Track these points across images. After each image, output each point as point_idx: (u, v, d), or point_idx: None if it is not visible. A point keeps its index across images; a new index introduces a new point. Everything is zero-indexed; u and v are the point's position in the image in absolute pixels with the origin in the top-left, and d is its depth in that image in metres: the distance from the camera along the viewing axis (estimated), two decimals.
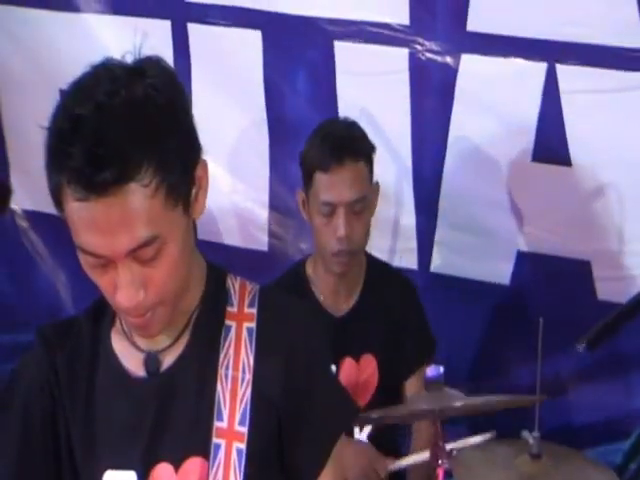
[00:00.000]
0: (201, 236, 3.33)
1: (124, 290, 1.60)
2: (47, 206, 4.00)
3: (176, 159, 1.61)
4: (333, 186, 2.86)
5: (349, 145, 2.90)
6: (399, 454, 3.04)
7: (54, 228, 3.81)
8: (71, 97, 1.59)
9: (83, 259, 1.61)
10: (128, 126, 1.54)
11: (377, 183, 3.02)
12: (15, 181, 3.92)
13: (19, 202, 3.96)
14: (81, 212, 1.56)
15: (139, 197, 1.55)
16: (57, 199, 1.59)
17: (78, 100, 1.55)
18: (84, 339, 1.82)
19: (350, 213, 2.86)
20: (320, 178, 2.87)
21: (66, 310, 4.15)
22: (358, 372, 2.97)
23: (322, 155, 2.88)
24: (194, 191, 1.68)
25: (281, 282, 3.11)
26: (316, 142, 2.96)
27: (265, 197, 3.76)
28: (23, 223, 4.20)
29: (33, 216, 4.17)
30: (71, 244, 4.02)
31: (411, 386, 3.01)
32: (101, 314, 1.82)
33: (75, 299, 4.16)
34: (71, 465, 1.80)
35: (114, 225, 1.56)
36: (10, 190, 2.38)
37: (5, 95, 4.19)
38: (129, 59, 1.65)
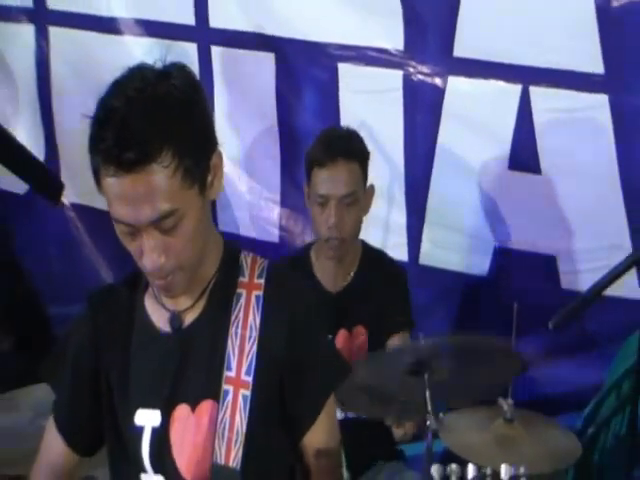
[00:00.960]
0: (221, 227, 3.32)
1: (148, 255, 1.65)
2: (89, 200, 3.91)
3: (192, 147, 1.65)
4: (327, 181, 2.87)
5: (343, 146, 2.90)
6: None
7: (94, 218, 4.00)
8: (108, 92, 1.64)
9: (117, 228, 1.67)
10: (151, 116, 1.60)
11: (372, 186, 3.01)
12: (64, 179, 3.81)
13: (67, 197, 3.90)
14: (113, 187, 1.61)
15: (160, 176, 1.60)
16: (97, 178, 1.64)
17: (113, 94, 1.62)
18: (122, 302, 1.87)
19: (341, 205, 2.85)
20: (317, 173, 2.87)
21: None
22: (351, 341, 2.95)
23: (319, 153, 2.90)
24: (210, 177, 1.72)
25: (288, 261, 3.15)
26: (316, 143, 2.98)
27: (277, 196, 3.75)
28: (70, 214, 4.16)
29: (78, 208, 4.14)
30: (107, 231, 4.04)
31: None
32: (136, 282, 1.87)
33: (112, 277, 4.14)
34: (109, 404, 1.84)
35: (139, 198, 1.61)
36: (63, 186, 2.41)
37: (58, 105, 4.13)
38: (159, 65, 1.68)
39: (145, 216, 1.63)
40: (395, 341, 2.96)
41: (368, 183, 2.98)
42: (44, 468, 1.97)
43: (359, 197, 2.91)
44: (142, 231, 1.67)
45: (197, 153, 1.70)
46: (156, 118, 1.64)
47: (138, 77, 1.68)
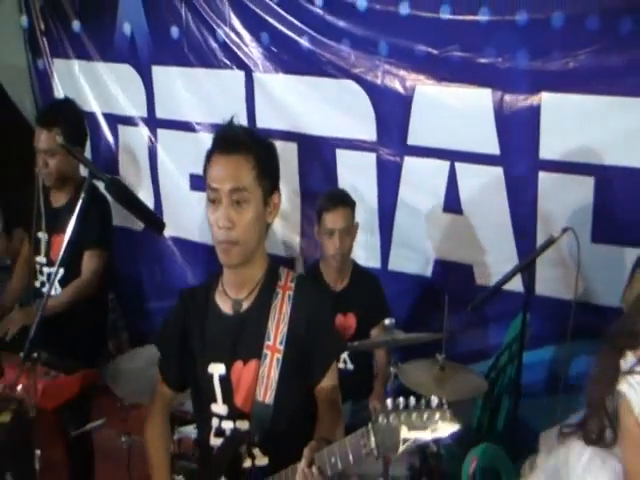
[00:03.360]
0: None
1: (222, 222, 1.66)
2: (181, 234, 4.02)
3: (267, 169, 1.71)
4: (332, 220, 2.92)
5: (341, 198, 2.98)
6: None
7: (183, 245, 4.10)
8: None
9: (208, 196, 1.69)
10: (248, 134, 1.73)
11: (357, 223, 3.05)
12: (165, 220, 3.85)
13: (167, 232, 3.89)
14: (216, 160, 1.69)
15: (246, 166, 1.67)
16: (206, 165, 1.72)
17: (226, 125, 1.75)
18: (200, 295, 1.87)
19: (341, 235, 2.92)
20: (325, 215, 2.93)
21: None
22: (345, 322, 2.97)
23: (326, 203, 2.95)
24: (270, 204, 1.73)
25: (307, 271, 3.23)
26: (324, 197, 3.02)
27: (297, 229, 3.72)
28: (169, 242, 4.13)
29: (174, 239, 4.10)
30: (191, 254, 4.11)
31: (374, 331, 3.00)
32: (210, 283, 1.86)
33: (195, 282, 3.82)
34: (192, 359, 1.84)
35: (229, 172, 1.67)
36: (164, 224, 2.54)
37: (162, 177, 4.08)
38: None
39: (229, 183, 1.66)
40: (375, 332, 2.98)
41: (355, 220, 3.04)
42: (158, 399, 1.99)
43: (351, 230, 2.99)
44: (222, 201, 1.67)
45: (269, 177, 1.72)
46: (249, 132, 1.76)
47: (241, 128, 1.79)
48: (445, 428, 1.40)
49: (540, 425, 2.70)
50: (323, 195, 3.06)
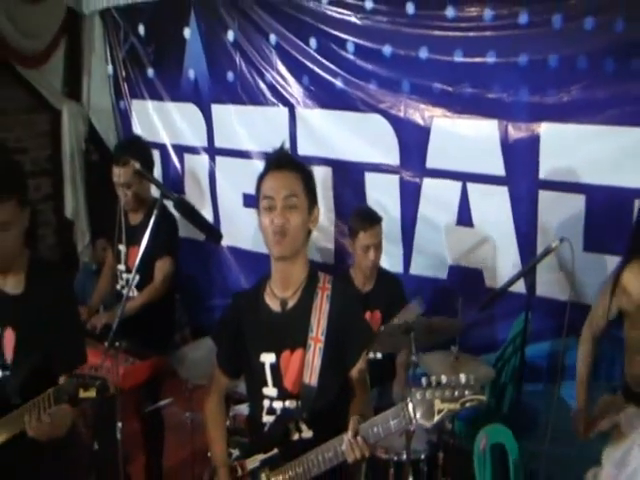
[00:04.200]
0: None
1: (276, 220, 1.67)
2: (236, 244, 4.01)
3: (311, 189, 1.74)
4: (369, 236, 2.88)
5: (373, 217, 2.94)
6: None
7: (238, 254, 4.10)
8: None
9: (262, 206, 1.71)
10: (295, 158, 1.81)
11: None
12: (222, 231, 3.69)
13: (224, 242, 3.91)
14: (271, 175, 1.72)
15: (296, 179, 1.70)
16: (260, 182, 1.74)
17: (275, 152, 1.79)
18: (252, 295, 1.86)
19: (376, 249, 2.89)
20: (361, 233, 2.88)
21: None
22: (371, 318, 2.90)
23: (362, 222, 2.91)
24: (311, 217, 1.75)
25: (341, 275, 3.09)
26: (356, 216, 2.97)
27: (332, 240, 3.69)
28: (226, 251, 4.14)
29: (230, 248, 4.12)
30: (245, 261, 4.01)
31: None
32: (260, 285, 1.85)
33: (247, 285, 3.85)
34: (245, 350, 1.83)
35: (282, 183, 1.70)
36: (222, 235, 2.55)
37: (219, 195, 4.09)
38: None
39: (283, 191, 1.68)
40: (395, 319, 2.89)
41: None
42: (214, 384, 1.97)
43: (381, 243, 2.94)
44: (276, 207, 1.68)
45: (312, 193, 1.75)
46: (295, 157, 1.90)
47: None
48: (474, 400, 1.41)
49: (540, 408, 2.72)
50: (355, 214, 3.01)
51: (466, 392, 1.41)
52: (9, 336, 1.83)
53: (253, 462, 1.78)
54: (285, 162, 1.75)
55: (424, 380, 1.45)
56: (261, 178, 1.75)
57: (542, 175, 2.95)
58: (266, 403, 1.81)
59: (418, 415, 1.45)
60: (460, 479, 2.62)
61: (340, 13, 3.35)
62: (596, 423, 2.19)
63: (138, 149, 2.94)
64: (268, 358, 1.79)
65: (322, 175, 3.52)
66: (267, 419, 1.81)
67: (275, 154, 1.79)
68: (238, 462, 1.83)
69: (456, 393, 1.42)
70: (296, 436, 1.74)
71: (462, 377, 1.43)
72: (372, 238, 2.89)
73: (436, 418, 1.44)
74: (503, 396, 3.02)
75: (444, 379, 1.44)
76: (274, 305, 1.80)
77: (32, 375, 1.80)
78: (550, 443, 2.40)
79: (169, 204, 2.32)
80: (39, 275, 1.84)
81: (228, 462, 1.87)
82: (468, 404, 1.41)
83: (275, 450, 1.74)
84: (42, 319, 1.78)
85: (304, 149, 3.63)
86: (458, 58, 3.05)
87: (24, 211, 1.77)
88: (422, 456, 2.53)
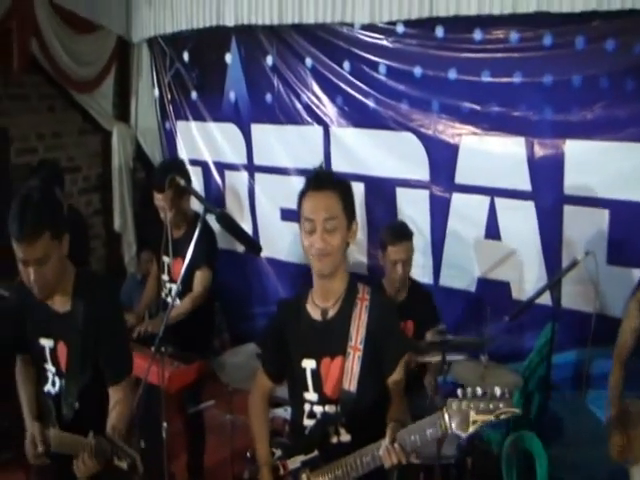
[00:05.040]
0: None
1: (317, 244, 1.72)
2: (274, 255, 4.13)
3: (349, 205, 1.77)
4: (397, 252, 2.89)
5: (403, 233, 2.96)
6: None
7: (276, 265, 4.17)
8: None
9: (303, 227, 1.74)
10: (333, 176, 1.82)
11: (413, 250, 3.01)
12: (261, 243, 3.83)
13: (263, 254, 3.99)
14: (311, 196, 1.74)
15: (335, 199, 1.73)
16: (300, 201, 1.77)
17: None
18: (295, 304, 1.90)
19: (404, 265, 2.90)
20: (390, 248, 2.90)
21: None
22: (405, 329, 2.90)
23: (391, 237, 2.92)
24: (350, 233, 1.77)
25: (376, 286, 2.91)
26: (387, 230, 2.99)
27: (364, 252, 3.71)
28: (264, 262, 4.20)
29: (269, 259, 4.18)
30: (283, 273, 4.08)
31: (429, 335, 2.88)
32: (302, 294, 1.89)
33: (285, 294, 4.06)
34: (288, 355, 1.87)
35: (322, 205, 1.72)
36: (261, 248, 2.64)
37: (258, 210, 4.17)
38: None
39: (323, 214, 1.71)
40: (430, 335, 2.88)
41: None
42: (258, 389, 2.02)
43: (411, 258, 2.96)
44: (316, 230, 1.71)
45: (350, 209, 1.77)
46: (333, 174, 1.85)
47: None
48: (508, 413, 1.44)
49: (565, 415, 2.79)
50: (386, 228, 3.02)
51: (500, 405, 1.44)
52: (62, 349, 2.00)
53: (294, 462, 1.83)
54: (324, 182, 1.75)
55: (460, 391, 1.48)
56: (302, 196, 1.77)
57: (567, 190, 3.02)
58: (307, 407, 1.84)
59: (454, 425, 1.48)
60: None
61: (372, 37, 3.49)
62: (632, 447, 2.24)
63: (178, 168, 3.03)
64: (309, 364, 1.82)
65: (355, 191, 3.54)
66: (308, 422, 1.85)
67: (314, 173, 1.81)
68: (280, 462, 1.88)
69: (491, 406, 1.45)
70: (335, 439, 1.79)
71: (497, 390, 1.46)
72: (400, 254, 2.90)
73: (471, 429, 1.46)
74: (530, 403, 3.05)
75: (479, 391, 1.47)
76: (315, 314, 1.84)
77: (86, 383, 1.95)
78: (575, 450, 2.48)
79: (210, 218, 2.46)
80: (84, 292, 1.95)
81: (271, 461, 1.91)
82: (502, 416, 1.44)
83: (315, 452, 1.80)
84: (89, 333, 1.92)
85: (338, 166, 3.71)
86: (486, 78, 3.15)
87: (61, 240, 1.86)
88: (452, 461, 2.56)
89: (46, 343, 2.03)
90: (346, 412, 1.77)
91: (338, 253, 1.75)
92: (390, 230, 2.99)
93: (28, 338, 2.04)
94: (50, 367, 2.05)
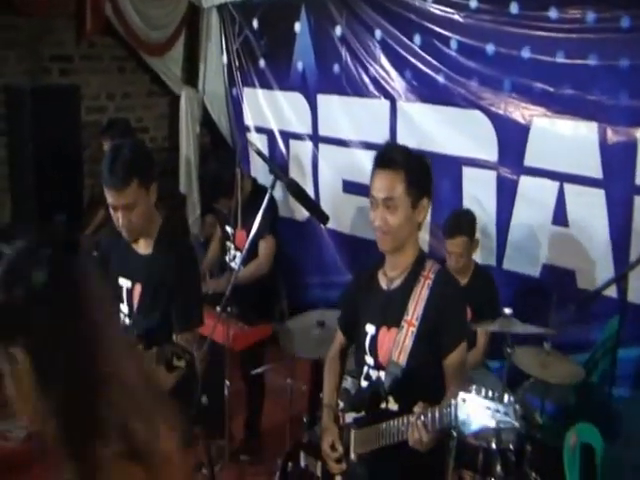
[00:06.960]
0: None
1: (377, 221, 1.79)
2: (337, 227, 4.23)
3: (416, 183, 1.79)
4: (451, 244, 2.98)
5: (457, 227, 2.99)
6: None
7: (338, 236, 4.26)
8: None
9: (371, 202, 1.81)
10: (402, 153, 1.82)
11: (477, 239, 3.07)
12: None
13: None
14: (376, 174, 1.81)
15: (396, 180, 1.77)
16: (371, 176, 1.82)
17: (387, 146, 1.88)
18: (369, 272, 1.98)
19: (458, 257, 2.99)
20: (447, 240, 2.98)
21: (340, 271, 4.19)
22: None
23: (449, 230, 3.00)
24: (419, 206, 1.81)
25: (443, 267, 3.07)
26: (449, 219, 3.04)
27: (427, 231, 3.59)
28: (324, 232, 4.28)
29: (330, 231, 4.25)
30: (344, 244, 4.21)
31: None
32: (379, 262, 1.96)
33: (344, 265, 4.21)
34: (358, 317, 1.98)
35: (385, 183, 1.77)
36: (328, 218, 2.56)
37: (321, 178, 4.24)
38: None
39: (382, 194, 1.77)
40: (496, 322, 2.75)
41: (476, 237, 3.08)
42: (335, 344, 2.16)
43: (469, 251, 3.03)
44: (378, 206, 1.78)
45: (417, 187, 1.79)
46: (403, 151, 1.81)
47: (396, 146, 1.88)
48: (507, 424, 1.47)
49: (626, 413, 2.76)
50: (448, 218, 3.06)
51: (506, 415, 1.47)
52: (137, 290, 2.15)
53: (349, 417, 1.98)
54: (388, 161, 1.79)
55: (474, 388, 1.51)
56: (373, 172, 1.84)
57: (638, 180, 2.95)
58: (365, 369, 1.94)
59: (458, 420, 1.54)
60: (546, 473, 2.65)
61: (444, 11, 3.46)
62: None
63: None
64: (370, 330, 1.92)
65: None
66: (364, 383, 1.96)
67: (382, 148, 1.86)
68: (341, 412, 2.03)
69: (497, 413, 1.48)
70: (383, 405, 1.87)
71: (506, 397, 1.49)
72: (453, 247, 2.98)
73: (472, 429, 1.51)
74: (591, 397, 3.06)
75: (490, 393, 1.50)
76: (383, 283, 1.93)
77: (151, 327, 2.06)
78: (637, 451, 2.43)
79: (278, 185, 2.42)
80: (166, 241, 2.13)
81: (334, 405, 2.05)
82: (502, 425, 1.47)
83: (363, 413, 1.93)
84: (166, 278, 2.06)
85: (403, 141, 3.28)
86: (560, 59, 3.09)
87: (148, 189, 2.03)
88: (511, 446, 2.54)
89: (124, 283, 2.19)
90: (391, 382, 1.83)
91: (399, 231, 1.80)
92: (449, 222, 3.05)
93: (110, 277, 2.14)
94: (124, 308, 2.18)
